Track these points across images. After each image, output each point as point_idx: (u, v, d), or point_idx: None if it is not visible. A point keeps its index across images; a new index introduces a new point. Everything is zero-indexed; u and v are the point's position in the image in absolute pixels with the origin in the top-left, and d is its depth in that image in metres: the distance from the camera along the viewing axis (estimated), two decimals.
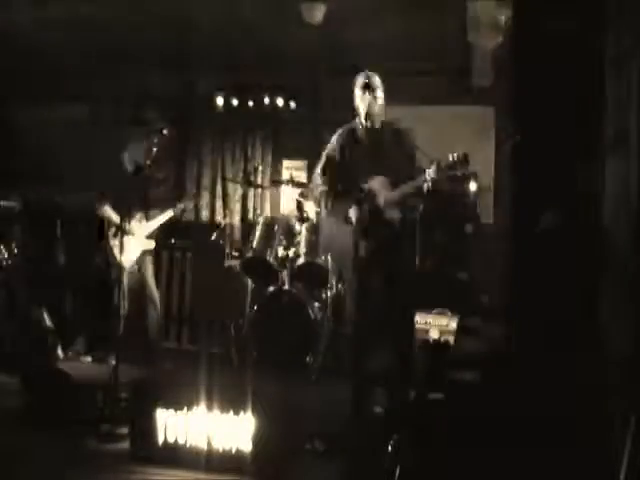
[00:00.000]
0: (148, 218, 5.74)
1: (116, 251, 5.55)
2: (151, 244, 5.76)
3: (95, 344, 5.91)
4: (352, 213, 4.25)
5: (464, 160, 4.06)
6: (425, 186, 4.16)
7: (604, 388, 2.94)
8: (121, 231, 5.35)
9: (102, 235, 5.76)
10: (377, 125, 4.33)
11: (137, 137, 5.82)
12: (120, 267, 5.50)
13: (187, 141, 7.44)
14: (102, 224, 5.74)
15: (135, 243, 5.66)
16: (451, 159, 4.06)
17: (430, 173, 4.10)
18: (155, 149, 5.72)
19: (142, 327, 5.69)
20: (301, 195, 5.87)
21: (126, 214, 5.56)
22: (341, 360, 5.44)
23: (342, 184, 4.36)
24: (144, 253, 5.72)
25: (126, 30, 6.19)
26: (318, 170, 4.47)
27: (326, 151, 4.48)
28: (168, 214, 5.81)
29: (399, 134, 4.39)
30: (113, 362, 4.20)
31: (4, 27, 6.13)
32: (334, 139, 4.45)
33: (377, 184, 4.22)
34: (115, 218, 5.60)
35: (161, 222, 5.79)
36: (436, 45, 6.16)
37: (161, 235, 5.93)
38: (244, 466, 3.37)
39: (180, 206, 5.89)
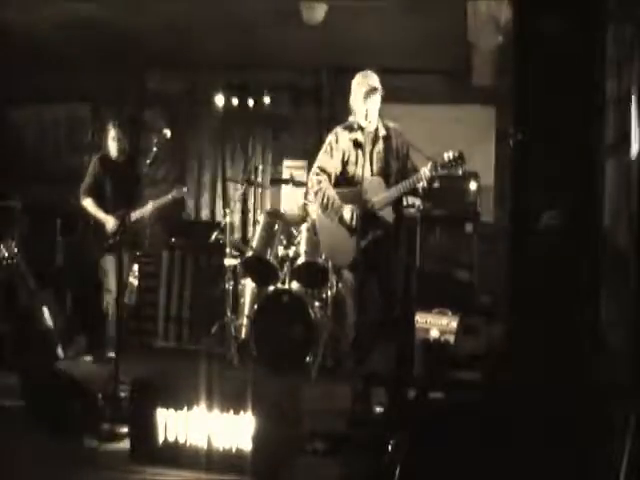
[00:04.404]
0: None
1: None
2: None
3: (95, 344, 5.91)
4: (346, 213, 4.26)
5: (459, 158, 4.08)
6: (420, 185, 4.18)
7: (604, 388, 2.94)
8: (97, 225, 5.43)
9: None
10: (374, 125, 4.32)
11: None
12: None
13: (187, 141, 7.45)
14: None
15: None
16: (446, 158, 4.09)
17: (425, 172, 4.12)
18: (155, 149, 5.72)
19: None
20: (306, 198, 5.88)
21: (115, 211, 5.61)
22: (341, 360, 5.45)
23: (338, 183, 4.37)
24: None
25: (126, 30, 6.19)
26: (317, 169, 4.47)
27: (323, 150, 4.48)
28: (150, 206, 5.73)
29: (395, 133, 4.39)
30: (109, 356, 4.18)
31: (4, 26, 6.13)
32: (331, 138, 4.45)
33: (372, 184, 4.22)
34: (94, 211, 5.66)
35: (143, 214, 5.72)
36: (436, 45, 6.17)
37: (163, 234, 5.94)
38: (244, 466, 3.37)
39: (165, 197, 5.81)
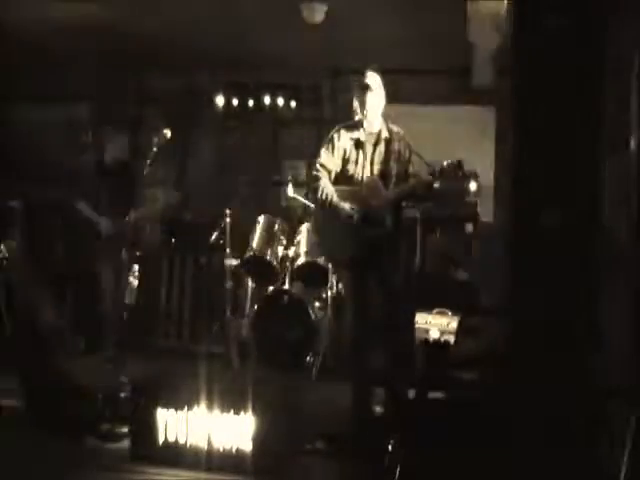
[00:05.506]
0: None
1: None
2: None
3: (94, 344, 5.91)
4: (344, 211, 4.26)
5: (458, 166, 4.10)
6: (418, 190, 4.20)
7: (604, 388, 2.94)
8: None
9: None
10: (377, 126, 4.32)
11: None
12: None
13: (187, 141, 7.45)
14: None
15: None
16: (445, 165, 4.11)
17: (423, 180, 4.14)
18: (154, 149, 5.73)
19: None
20: (304, 196, 5.88)
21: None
22: (341, 360, 5.45)
23: (338, 183, 4.36)
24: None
25: (126, 30, 6.19)
26: (318, 165, 4.47)
27: (324, 147, 4.47)
28: (145, 211, 5.77)
29: (397, 137, 4.38)
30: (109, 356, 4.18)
31: (5, 26, 6.14)
32: (333, 135, 4.44)
33: (371, 184, 4.22)
34: (90, 215, 5.67)
35: (138, 219, 5.76)
36: (436, 45, 6.17)
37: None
38: (244, 466, 3.37)
39: (161, 202, 5.85)
